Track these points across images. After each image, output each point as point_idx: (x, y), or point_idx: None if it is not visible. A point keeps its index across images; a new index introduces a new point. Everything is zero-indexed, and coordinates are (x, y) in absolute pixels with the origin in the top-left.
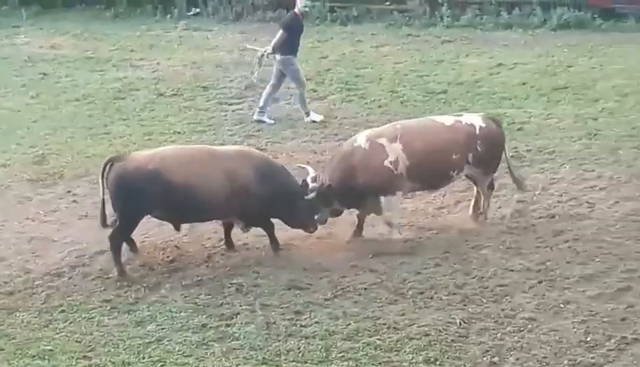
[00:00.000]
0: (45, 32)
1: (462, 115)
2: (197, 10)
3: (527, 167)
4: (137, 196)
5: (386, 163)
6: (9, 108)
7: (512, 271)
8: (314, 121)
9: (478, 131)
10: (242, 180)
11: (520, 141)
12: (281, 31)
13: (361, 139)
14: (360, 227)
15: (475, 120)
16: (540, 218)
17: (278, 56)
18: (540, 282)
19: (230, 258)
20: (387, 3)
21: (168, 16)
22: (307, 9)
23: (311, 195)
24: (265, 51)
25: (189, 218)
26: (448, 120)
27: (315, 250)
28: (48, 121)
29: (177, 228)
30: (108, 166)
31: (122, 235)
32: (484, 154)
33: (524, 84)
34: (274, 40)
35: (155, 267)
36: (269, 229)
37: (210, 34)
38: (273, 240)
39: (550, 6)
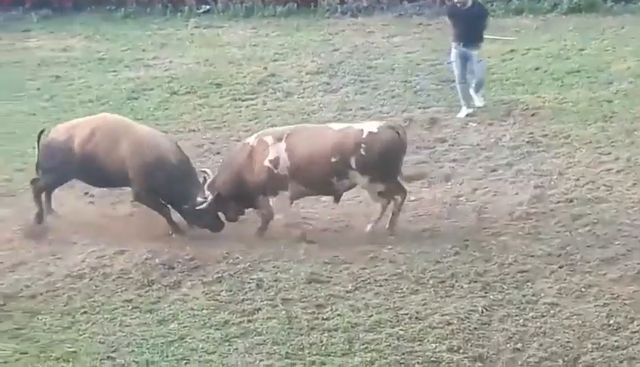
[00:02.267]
0: (56, 35)
1: (362, 123)
2: (208, 7)
3: (543, 152)
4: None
5: (266, 162)
6: (24, 111)
7: (532, 256)
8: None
9: (363, 136)
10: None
11: (535, 127)
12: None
13: (251, 137)
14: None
15: (368, 126)
16: (558, 202)
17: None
18: (560, 267)
19: (250, 253)
20: None
21: (179, 14)
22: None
23: (202, 206)
24: None
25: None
26: (340, 126)
27: (334, 243)
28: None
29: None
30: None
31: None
32: (370, 160)
33: (537, 69)
34: None
35: (176, 265)
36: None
37: (221, 30)
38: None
39: None
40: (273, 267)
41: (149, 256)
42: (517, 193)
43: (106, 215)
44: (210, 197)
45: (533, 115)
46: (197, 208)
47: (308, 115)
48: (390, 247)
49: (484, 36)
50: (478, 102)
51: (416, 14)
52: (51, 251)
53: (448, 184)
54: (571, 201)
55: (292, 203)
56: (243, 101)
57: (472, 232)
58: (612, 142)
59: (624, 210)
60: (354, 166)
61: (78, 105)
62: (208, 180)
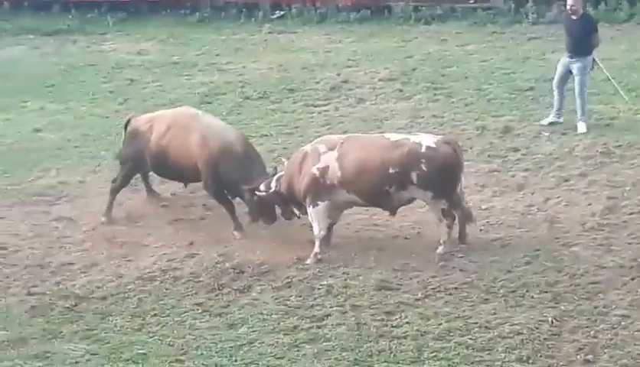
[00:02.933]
0: (131, 38)
1: (416, 135)
2: (282, 12)
3: (616, 163)
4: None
5: (314, 169)
6: (98, 114)
7: (604, 268)
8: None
9: (423, 150)
10: None
11: (609, 137)
12: None
13: (309, 145)
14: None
15: (425, 139)
16: (631, 214)
17: None
18: (632, 279)
19: (320, 259)
20: (472, 1)
21: (253, 19)
22: (569, 7)
23: (259, 193)
24: None
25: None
26: (395, 137)
27: (405, 250)
28: None
29: None
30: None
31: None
32: (430, 176)
33: (609, 79)
34: None
35: (246, 270)
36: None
37: (295, 36)
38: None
39: (637, 0)
40: (343, 273)
41: (220, 260)
42: (589, 204)
43: (178, 219)
44: (271, 190)
45: (607, 125)
46: (257, 194)
47: (381, 121)
48: (460, 255)
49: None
50: (580, 128)
51: (491, 22)
52: (123, 253)
53: (520, 193)
54: None
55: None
56: (315, 107)
57: (544, 242)
58: None
59: None
60: (414, 181)
61: (152, 108)
62: (278, 174)
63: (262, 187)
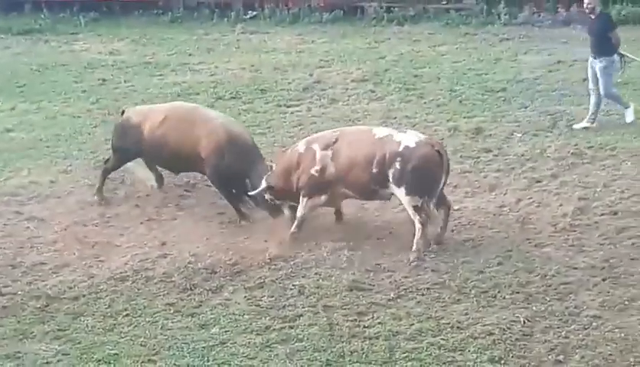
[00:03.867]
0: (104, 38)
1: (403, 132)
2: (254, 13)
3: (587, 164)
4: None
5: (313, 171)
6: (70, 114)
7: (576, 268)
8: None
9: (400, 149)
10: None
11: (581, 138)
12: None
13: (301, 144)
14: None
15: (406, 138)
16: (602, 215)
17: None
18: (604, 279)
19: (292, 259)
20: (444, 2)
21: (225, 19)
22: (585, 6)
23: (254, 192)
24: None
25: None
26: (382, 132)
27: (377, 250)
28: (109, 126)
29: None
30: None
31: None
32: (405, 174)
33: (584, 80)
34: None
35: (218, 270)
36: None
37: (268, 36)
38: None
39: (609, 2)
40: (315, 273)
41: (192, 260)
42: (561, 205)
43: (150, 219)
44: (262, 186)
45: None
46: (250, 193)
47: (353, 122)
48: (432, 256)
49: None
50: (628, 117)
51: (463, 23)
52: (94, 253)
53: (492, 194)
54: (615, 213)
55: (340, 204)
56: (287, 107)
57: (516, 242)
58: None
59: None
60: (390, 178)
61: (124, 108)
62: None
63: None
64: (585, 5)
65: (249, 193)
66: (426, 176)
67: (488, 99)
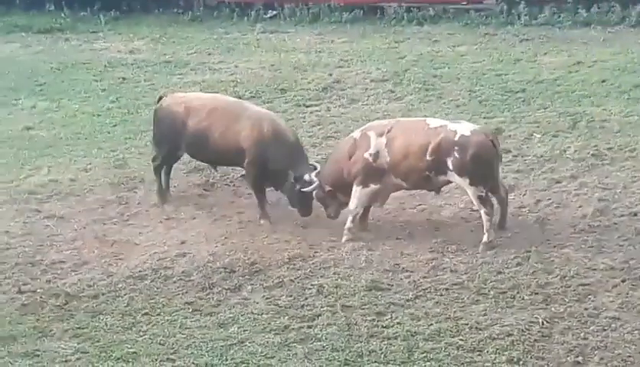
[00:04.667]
0: (124, 37)
1: (458, 122)
2: (274, 12)
3: (607, 165)
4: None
5: (366, 155)
6: (90, 112)
7: (595, 270)
8: None
9: (456, 138)
10: None
11: (600, 140)
12: None
13: (356, 131)
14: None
15: (461, 127)
16: (622, 216)
17: None
18: (623, 281)
19: (311, 259)
20: (464, 2)
21: (245, 19)
22: None
23: (307, 189)
24: None
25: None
26: (436, 122)
27: (395, 251)
28: (128, 125)
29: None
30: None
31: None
32: (465, 163)
33: (603, 82)
34: None
35: (237, 269)
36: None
37: (287, 36)
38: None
39: (629, 2)
40: (334, 273)
41: (211, 259)
42: (580, 206)
43: (169, 218)
44: (316, 182)
45: (599, 127)
46: (303, 189)
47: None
48: (451, 256)
49: None
50: None
51: (483, 23)
52: (113, 252)
53: (511, 195)
54: (635, 215)
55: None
56: (307, 107)
57: (535, 243)
58: None
59: None
60: (450, 167)
61: (143, 107)
62: (317, 170)
63: (306, 178)
64: None
65: (302, 189)
66: (484, 165)
67: (507, 99)
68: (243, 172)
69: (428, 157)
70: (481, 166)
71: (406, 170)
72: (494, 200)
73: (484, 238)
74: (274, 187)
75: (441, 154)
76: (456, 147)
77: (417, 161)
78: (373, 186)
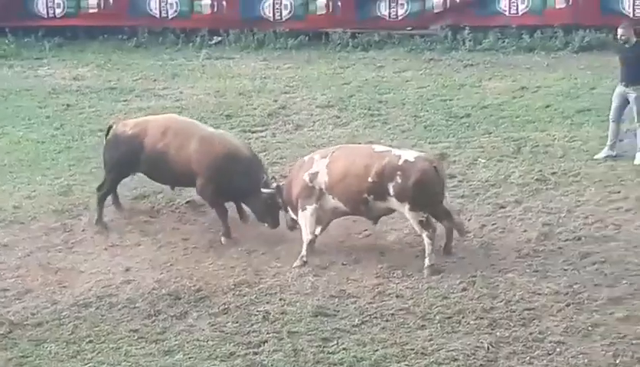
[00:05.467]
0: (68, 63)
1: (404, 150)
2: (219, 38)
3: (551, 189)
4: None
5: (305, 175)
6: (34, 139)
7: (540, 294)
8: None
9: (400, 163)
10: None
11: (544, 164)
12: None
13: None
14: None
15: (406, 153)
16: (566, 240)
17: None
18: (567, 305)
19: (256, 285)
20: (409, 28)
21: (190, 45)
22: (620, 36)
23: (266, 191)
24: None
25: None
26: (382, 148)
27: (341, 276)
28: (73, 152)
29: None
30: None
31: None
32: (406, 189)
33: (547, 107)
34: None
35: (182, 296)
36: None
37: (233, 61)
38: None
39: (572, 28)
40: (280, 299)
41: (156, 286)
42: (525, 230)
43: (114, 245)
44: (274, 187)
45: (543, 152)
46: (263, 191)
47: (318, 148)
48: (397, 281)
49: None
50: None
51: (427, 49)
52: (58, 279)
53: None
54: (579, 239)
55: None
56: (252, 132)
57: (480, 268)
58: (621, 181)
59: (632, 249)
60: (391, 192)
61: (88, 133)
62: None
63: (265, 191)
64: (619, 36)
65: (263, 191)
66: (426, 191)
67: (452, 124)
68: (189, 199)
69: (370, 180)
70: (423, 192)
71: (344, 191)
72: (438, 225)
73: (426, 262)
74: (241, 202)
75: (383, 178)
76: (399, 172)
77: (358, 182)
78: (310, 207)
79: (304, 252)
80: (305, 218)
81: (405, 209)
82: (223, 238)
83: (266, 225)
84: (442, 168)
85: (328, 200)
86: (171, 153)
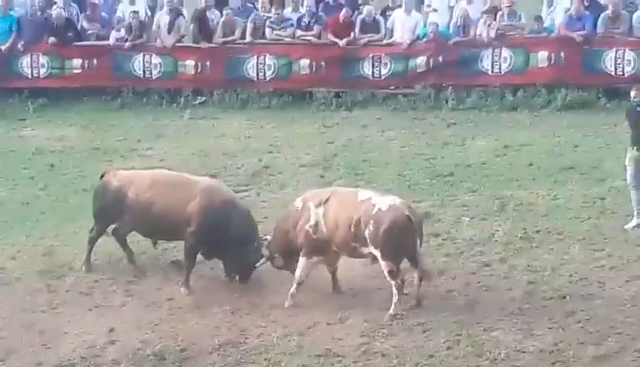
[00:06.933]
0: (52, 124)
1: (384, 196)
2: (203, 98)
3: (535, 248)
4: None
5: (307, 227)
6: (18, 200)
7: (525, 352)
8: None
9: (373, 212)
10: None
11: (528, 222)
12: None
13: (298, 201)
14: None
15: (381, 201)
16: (551, 298)
17: None
18: (553, 363)
19: (241, 345)
20: (392, 87)
21: (174, 105)
22: (634, 97)
23: (259, 264)
24: None
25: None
26: (364, 195)
27: (327, 335)
28: (57, 212)
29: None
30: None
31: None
32: (378, 236)
33: (530, 165)
34: None
35: (167, 356)
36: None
37: (217, 121)
38: None
39: (554, 87)
40: (265, 359)
41: (140, 346)
42: (510, 289)
43: (98, 305)
44: (264, 258)
45: (526, 210)
46: (257, 265)
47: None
48: (382, 340)
49: None
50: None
51: (411, 108)
52: (42, 340)
53: (441, 278)
54: (564, 297)
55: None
56: (237, 192)
57: (465, 326)
58: (605, 239)
59: (617, 307)
60: (367, 239)
61: (72, 194)
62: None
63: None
64: (632, 97)
65: (256, 265)
66: (396, 240)
67: (436, 183)
68: (173, 259)
69: (352, 230)
70: (393, 241)
71: (338, 241)
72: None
73: (391, 310)
74: (213, 256)
75: (360, 227)
76: (372, 221)
77: (345, 232)
78: (316, 258)
79: (293, 291)
80: (303, 263)
81: (379, 256)
82: (182, 289)
83: (237, 278)
84: (417, 217)
85: (332, 247)
86: (158, 204)
